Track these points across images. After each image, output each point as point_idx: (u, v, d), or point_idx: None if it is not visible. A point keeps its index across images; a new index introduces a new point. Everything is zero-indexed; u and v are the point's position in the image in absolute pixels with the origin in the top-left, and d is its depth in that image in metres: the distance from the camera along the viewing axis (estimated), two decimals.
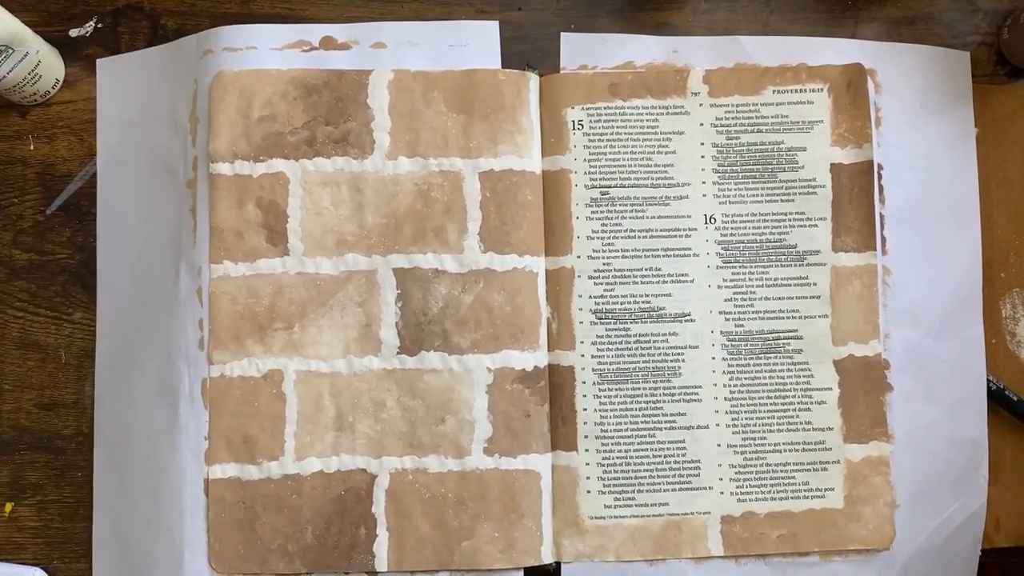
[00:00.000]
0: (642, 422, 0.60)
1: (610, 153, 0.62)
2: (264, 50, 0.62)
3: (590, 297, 0.61)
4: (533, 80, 0.62)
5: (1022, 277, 0.63)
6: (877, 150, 0.62)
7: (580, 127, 0.62)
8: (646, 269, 0.61)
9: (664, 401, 0.61)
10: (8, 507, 0.61)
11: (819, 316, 0.61)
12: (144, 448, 0.59)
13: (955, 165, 0.63)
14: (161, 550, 0.58)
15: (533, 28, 0.64)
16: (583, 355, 0.61)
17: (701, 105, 0.62)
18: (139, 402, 0.60)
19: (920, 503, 0.61)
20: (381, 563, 0.59)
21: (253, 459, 0.59)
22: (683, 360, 0.61)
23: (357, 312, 0.60)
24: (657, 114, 0.62)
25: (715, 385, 0.61)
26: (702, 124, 0.62)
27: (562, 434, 0.60)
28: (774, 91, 0.62)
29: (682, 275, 0.61)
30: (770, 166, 0.62)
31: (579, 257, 0.61)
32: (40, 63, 0.60)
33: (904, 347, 0.61)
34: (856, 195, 0.62)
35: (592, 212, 0.61)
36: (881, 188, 0.62)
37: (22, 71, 0.60)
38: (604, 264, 0.61)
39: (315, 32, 0.62)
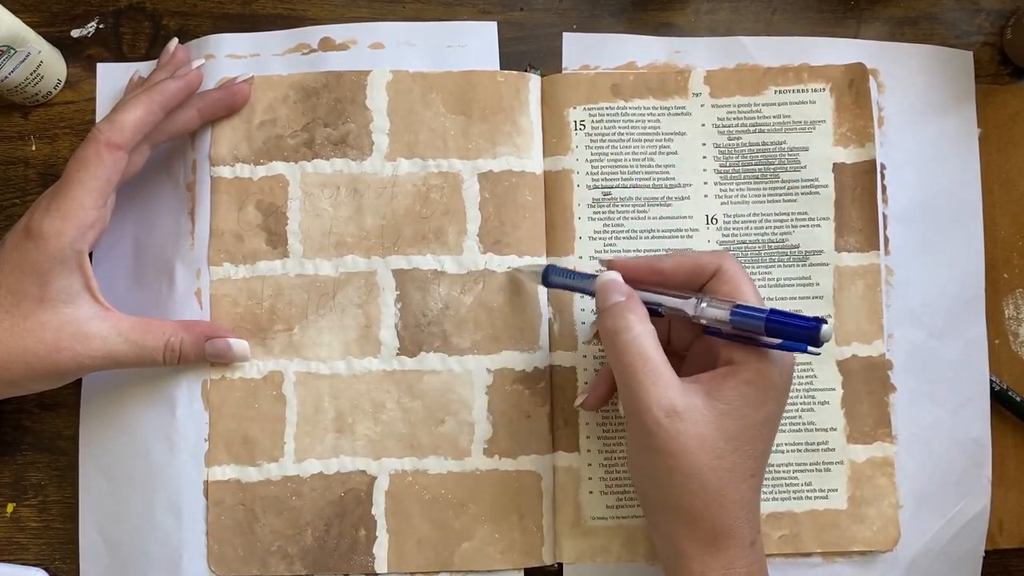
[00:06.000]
0: None
1: (612, 153, 0.62)
2: (266, 56, 0.62)
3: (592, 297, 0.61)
4: (533, 81, 0.62)
5: None
6: (880, 150, 0.62)
7: (582, 127, 0.62)
8: None
9: None
10: (9, 508, 0.61)
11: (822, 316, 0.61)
12: (136, 450, 0.59)
13: (958, 165, 0.63)
14: (157, 553, 0.58)
15: (535, 28, 0.64)
16: (585, 356, 0.60)
17: (703, 106, 0.62)
18: (130, 404, 0.60)
19: (924, 504, 0.61)
20: (381, 565, 0.59)
21: (253, 461, 0.59)
22: None
23: (357, 313, 0.60)
24: (659, 115, 0.62)
25: None
26: (704, 125, 0.62)
27: (564, 435, 0.60)
28: (776, 91, 0.62)
29: None
30: (772, 166, 0.62)
31: (581, 258, 0.61)
32: (42, 64, 0.60)
33: (907, 347, 0.61)
34: (859, 195, 0.61)
35: (594, 212, 0.61)
36: (884, 188, 0.62)
37: (24, 72, 0.60)
38: None
39: (314, 34, 0.62)
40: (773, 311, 0.47)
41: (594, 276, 0.54)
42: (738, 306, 0.49)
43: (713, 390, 0.48)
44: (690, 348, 0.55)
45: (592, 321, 0.60)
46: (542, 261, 0.61)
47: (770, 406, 0.49)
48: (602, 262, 0.56)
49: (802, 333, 0.46)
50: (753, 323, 0.47)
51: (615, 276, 0.52)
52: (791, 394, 0.60)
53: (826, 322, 0.46)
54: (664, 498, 0.49)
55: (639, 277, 0.53)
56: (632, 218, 0.61)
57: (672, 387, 0.48)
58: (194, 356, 0.57)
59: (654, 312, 0.52)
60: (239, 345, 0.59)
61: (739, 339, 0.49)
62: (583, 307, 0.61)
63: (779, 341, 0.48)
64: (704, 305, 0.50)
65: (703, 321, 0.50)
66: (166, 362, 0.56)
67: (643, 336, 0.49)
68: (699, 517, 0.48)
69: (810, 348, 0.47)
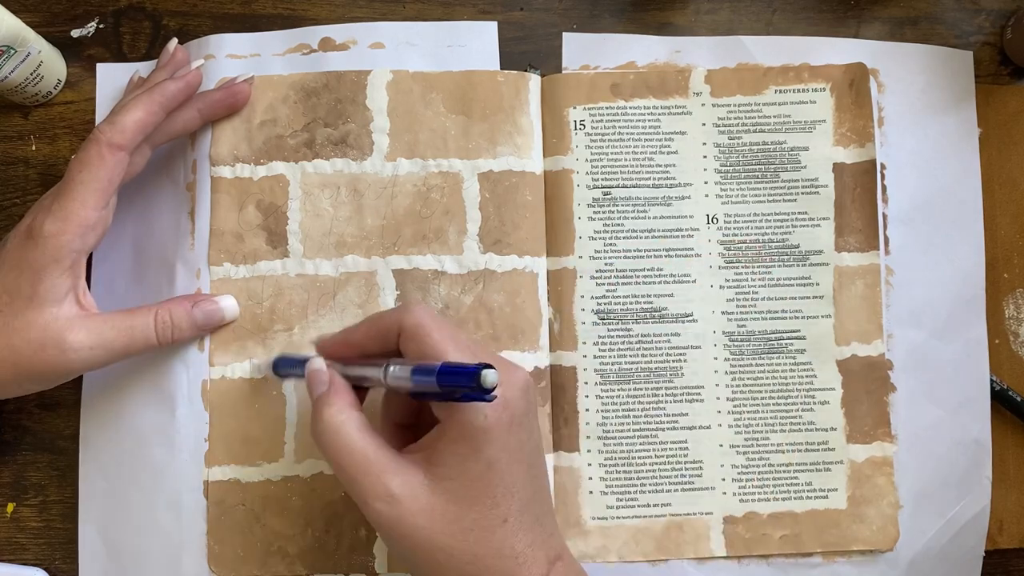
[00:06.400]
0: (644, 423, 0.60)
1: (612, 153, 0.62)
2: (266, 56, 0.62)
3: (592, 297, 0.61)
4: (533, 81, 0.62)
5: None
6: (880, 150, 0.62)
7: (582, 127, 0.62)
8: (648, 269, 0.61)
9: (666, 401, 0.61)
10: (10, 507, 0.61)
11: (822, 316, 0.61)
12: (136, 450, 0.59)
13: (958, 165, 0.63)
14: (157, 553, 0.58)
15: (535, 28, 0.64)
16: (585, 356, 0.60)
17: (703, 105, 0.62)
18: (130, 404, 0.60)
19: (923, 504, 0.61)
20: (381, 565, 0.59)
21: (253, 461, 0.59)
22: (685, 360, 0.61)
23: (357, 314, 0.60)
24: (659, 114, 0.62)
25: (717, 385, 0.61)
26: (704, 124, 0.62)
27: (564, 435, 0.60)
28: (776, 91, 0.62)
29: (684, 275, 0.61)
30: (772, 166, 0.62)
31: (581, 257, 0.61)
32: (42, 64, 0.60)
33: (907, 347, 0.61)
34: (859, 195, 0.61)
35: (594, 212, 0.61)
36: (884, 188, 0.62)
37: (24, 72, 0.60)
38: (606, 264, 0.61)
39: (314, 34, 0.62)
40: (444, 365, 0.44)
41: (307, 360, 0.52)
42: (417, 367, 0.46)
43: (431, 455, 0.46)
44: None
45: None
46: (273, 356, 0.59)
47: (489, 451, 0.45)
48: (314, 342, 0.54)
49: (467, 384, 0.42)
50: (429, 382, 0.44)
51: (318, 365, 0.50)
52: (792, 393, 0.60)
53: (489, 366, 0.42)
54: None
55: (340, 354, 0.51)
56: (632, 218, 0.61)
57: (384, 472, 0.46)
58: (187, 326, 0.57)
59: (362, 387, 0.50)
60: (227, 301, 0.59)
61: (438, 397, 0.46)
62: (583, 307, 0.61)
63: (460, 394, 0.44)
64: (391, 370, 0.47)
65: (397, 388, 0.47)
66: (160, 338, 0.56)
67: (343, 427, 0.47)
68: None
69: (487, 396, 0.43)
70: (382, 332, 0.49)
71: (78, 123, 0.63)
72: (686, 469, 0.60)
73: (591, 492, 0.60)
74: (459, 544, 0.45)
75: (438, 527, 0.45)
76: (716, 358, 0.61)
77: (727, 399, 0.61)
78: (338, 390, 0.49)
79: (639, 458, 0.60)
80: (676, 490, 0.60)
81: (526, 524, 0.47)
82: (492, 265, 0.60)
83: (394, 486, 0.45)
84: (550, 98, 0.62)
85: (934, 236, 0.62)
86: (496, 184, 0.61)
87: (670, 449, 0.60)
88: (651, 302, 0.61)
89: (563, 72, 0.63)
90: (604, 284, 0.61)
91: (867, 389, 0.61)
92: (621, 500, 0.60)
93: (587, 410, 0.60)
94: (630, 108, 0.62)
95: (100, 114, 0.63)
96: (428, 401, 0.48)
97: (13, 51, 0.58)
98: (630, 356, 0.61)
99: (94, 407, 0.60)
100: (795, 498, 0.60)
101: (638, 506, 0.60)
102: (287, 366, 0.57)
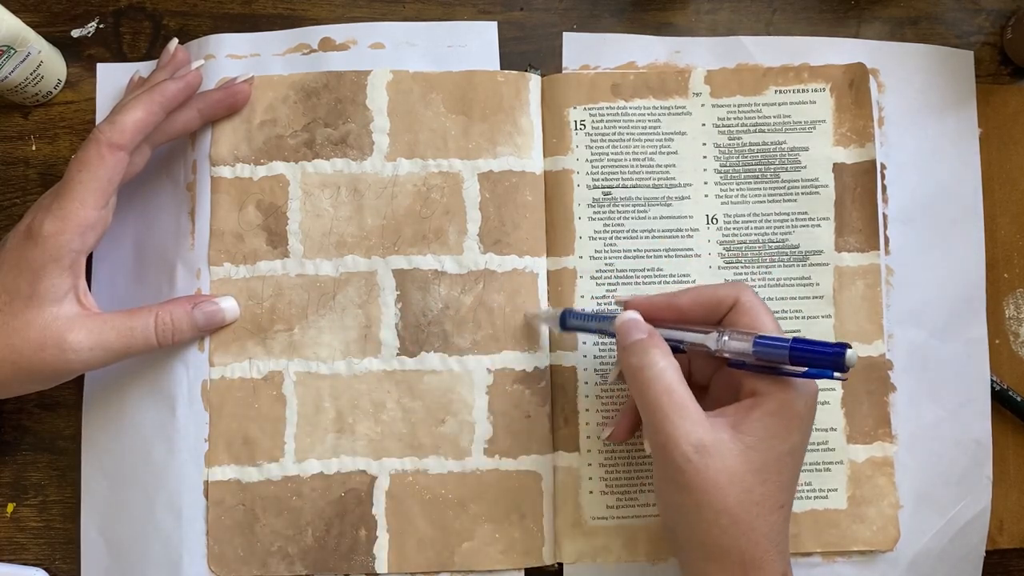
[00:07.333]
0: None
1: (612, 153, 0.62)
2: (266, 56, 0.62)
3: (592, 298, 0.61)
4: (534, 81, 0.62)
5: None
6: (880, 150, 0.62)
7: (582, 127, 0.62)
8: (648, 270, 0.61)
9: None
10: (10, 507, 0.61)
11: (822, 316, 0.61)
12: (137, 451, 0.59)
13: (958, 165, 0.63)
14: (157, 553, 0.58)
15: (535, 28, 0.64)
16: (585, 356, 0.60)
17: (703, 105, 0.62)
18: (131, 405, 0.60)
19: (924, 504, 0.60)
20: (381, 565, 0.59)
21: (253, 461, 0.59)
22: None
23: (357, 314, 0.60)
24: (659, 114, 0.62)
25: None
26: (704, 124, 0.62)
27: (564, 435, 0.60)
28: (776, 91, 0.62)
29: (684, 276, 0.61)
30: (772, 166, 0.62)
31: (581, 257, 0.61)
32: (42, 64, 0.60)
33: (907, 347, 0.61)
34: (859, 195, 0.61)
35: (594, 212, 0.61)
36: (884, 188, 0.62)
37: (24, 71, 0.60)
38: (606, 265, 0.61)
39: (314, 34, 0.62)
40: (796, 339, 0.47)
41: (613, 316, 0.53)
42: (761, 337, 0.48)
43: (738, 423, 0.48)
44: (711, 381, 0.55)
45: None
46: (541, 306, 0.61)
47: (795, 436, 0.48)
48: (619, 301, 0.55)
49: (827, 359, 0.46)
50: (777, 353, 0.48)
51: (635, 315, 0.52)
52: None
53: (850, 347, 0.46)
54: (693, 534, 0.48)
55: (658, 315, 0.53)
56: (632, 218, 0.61)
57: (699, 422, 0.47)
58: (187, 327, 0.57)
59: (675, 349, 0.51)
60: (227, 302, 0.59)
61: (762, 370, 0.49)
62: (583, 307, 0.61)
63: (803, 369, 0.48)
64: (726, 338, 0.50)
65: (726, 354, 0.50)
66: (160, 340, 0.56)
67: (667, 371, 0.49)
68: (729, 551, 0.47)
69: (835, 374, 0.47)
70: (712, 302, 0.52)
71: (78, 123, 0.63)
72: None
73: (591, 492, 0.60)
74: (744, 514, 0.47)
75: (733, 491, 0.47)
76: None
77: None
78: (661, 339, 0.51)
79: (639, 458, 0.60)
80: None
81: (787, 518, 0.49)
82: (492, 265, 0.60)
83: (707, 438, 0.47)
84: (550, 98, 0.62)
85: (934, 236, 0.62)
86: (496, 184, 0.61)
87: None
88: None
89: (563, 72, 0.63)
90: (604, 284, 0.61)
91: (867, 389, 0.61)
92: (621, 500, 0.60)
93: (587, 410, 0.60)
94: (630, 108, 0.62)
95: (100, 114, 0.63)
96: (744, 371, 0.50)
97: (13, 51, 0.58)
98: None
99: (95, 407, 0.60)
100: (795, 498, 0.60)
101: (638, 506, 0.60)
102: (582, 319, 0.57)
